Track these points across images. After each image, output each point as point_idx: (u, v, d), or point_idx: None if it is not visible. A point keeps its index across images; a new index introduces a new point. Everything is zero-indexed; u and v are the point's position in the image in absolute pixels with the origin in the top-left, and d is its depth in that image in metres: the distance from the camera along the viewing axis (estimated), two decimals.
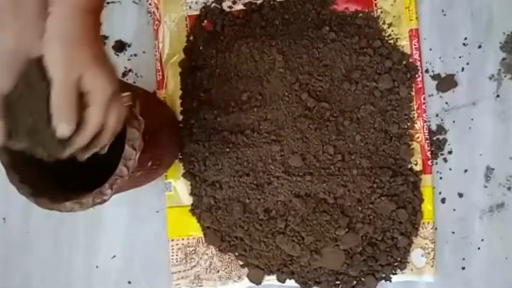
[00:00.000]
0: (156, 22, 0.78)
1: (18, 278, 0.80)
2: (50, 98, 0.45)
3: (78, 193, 0.59)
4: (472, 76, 0.75)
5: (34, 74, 0.45)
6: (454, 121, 0.75)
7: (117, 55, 0.80)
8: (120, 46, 0.80)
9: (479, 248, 0.74)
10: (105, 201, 0.57)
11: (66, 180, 0.63)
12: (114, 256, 0.78)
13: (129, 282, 0.78)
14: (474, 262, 0.74)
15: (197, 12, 0.77)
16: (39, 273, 0.79)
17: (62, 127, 0.46)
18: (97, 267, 0.78)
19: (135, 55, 0.79)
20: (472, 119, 0.75)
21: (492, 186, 0.74)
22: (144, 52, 0.79)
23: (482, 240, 0.74)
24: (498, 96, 0.75)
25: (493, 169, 0.74)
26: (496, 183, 0.74)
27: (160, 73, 0.77)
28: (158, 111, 0.73)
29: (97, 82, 0.46)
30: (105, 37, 0.79)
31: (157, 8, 0.78)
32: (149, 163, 0.61)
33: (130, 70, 0.79)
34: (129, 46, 0.80)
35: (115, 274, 0.78)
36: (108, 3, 0.80)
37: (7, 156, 0.58)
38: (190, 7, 0.77)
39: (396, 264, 0.72)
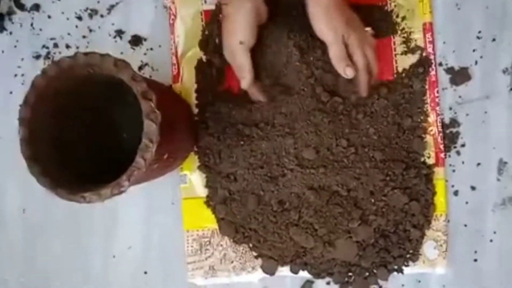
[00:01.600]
0: (172, 17, 0.79)
1: (37, 268, 0.81)
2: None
3: (96, 185, 0.61)
4: (486, 70, 0.75)
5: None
6: (467, 114, 0.75)
7: (133, 49, 0.81)
8: (136, 41, 0.81)
9: (491, 241, 0.74)
10: (122, 192, 0.58)
11: (85, 173, 0.65)
12: (130, 247, 0.80)
13: (145, 272, 0.79)
14: (487, 254, 0.74)
15: (213, 7, 0.77)
16: (58, 263, 0.81)
17: (349, 71, 0.66)
18: (114, 257, 0.80)
19: (151, 49, 0.80)
20: (485, 112, 0.75)
21: (505, 179, 0.74)
22: (160, 46, 0.80)
23: (495, 232, 0.74)
24: (511, 89, 0.75)
25: (506, 162, 0.74)
26: (509, 176, 0.74)
27: (176, 67, 0.78)
28: (173, 104, 0.74)
29: (354, 38, 0.67)
30: (121, 32, 0.81)
31: (173, 3, 0.79)
32: (165, 156, 0.62)
33: (146, 64, 0.80)
34: (145, 40, 0.81)
35: (132, 265, 0.80)
36: None
37: (29, 148, 0.60)
38: (205, 1, 0.78)
39: (408, 256, 0.73)
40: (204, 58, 0.78)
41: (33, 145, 0.60)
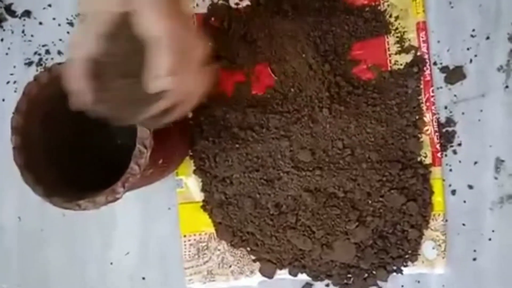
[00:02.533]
0: None
1: (34, 276, 0.81)
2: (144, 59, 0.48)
3: (91, 192, 0.60)
4: (481, 68, 0.75)
5: (126, 37, 0.49)
6: (463, 113, 0.75)
7: None
8: None
9: (490, 239, 0.74)
10: (117, 199, 0.58)
11: (79, 180, 0.65)
12: (128, 253, 0.79)
13: (143, 278, 0.79)
14: (485, 253, 0.74)
15: (204, 10, 0.77)
16: (55, 270, 0.80)
17: (161, 82, 0.49)
18: (111, 263, 0.79)
19: None
20: (481, 111, 0.75)
21: (502, 177, 0.74)
22: None
23: (493, 231, 0.74)
24: (507, 87, 0.74)
25: (503, 160, 0.74)
26: (506, 174, 0.74)
27: None
28: None
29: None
30: None
31: None
32: (160, 161, 0.62)
33: None
34: None
35: (129, 271, 0.79)
36: None
37: (22, 156, 0.60)
38: (197, 5, 0.78)
39: (407, 256, 0.73)
40: None
41: (26, 153, 0.60)
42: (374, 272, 0.73)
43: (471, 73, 0.75)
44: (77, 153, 0.68)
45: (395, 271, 0.73)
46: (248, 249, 0.75)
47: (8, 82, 0.82)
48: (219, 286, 0.76)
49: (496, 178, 0.74)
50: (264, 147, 0.72)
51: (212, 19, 0.77)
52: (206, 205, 0.76)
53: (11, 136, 0.60)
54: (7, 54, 0.83)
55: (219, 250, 0.76)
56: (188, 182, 0.77)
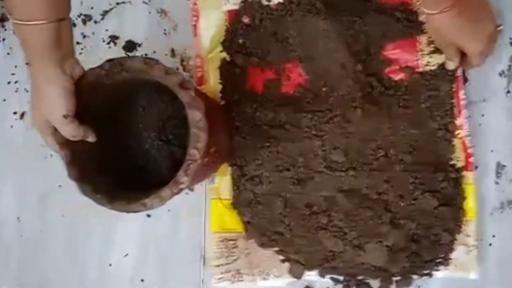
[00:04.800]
0: (195, 18, 0.78)
1: (34, 277, 0.81)
2: None
3: (134, 193, 0.60)
4: (483, 73, 0.73)
5: None
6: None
7: (128, 55, 0.80)
8: (131, 46, 0.81)
9: (490, 245, 0.72)
10: (182, 190, 0.57)
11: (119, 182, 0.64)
12: (127, 255, 0.79)
13: (142, 280, 0.79)
14: (486, 258, 0.72)
15: (235, 7, 0.77)
16: (54, 272, 0.80)
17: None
18: (110, 265, 0.79)
19: (146, 54, 0.80)
20: (482, 115, 0.73)
21: (503, 183, 0.72)
22: (154, 52, 0.80)
23: (494, 236, 0.72)
24: (508, 92, 0.73)
25: (504, 165, 0.72)
26: (507, 180, 0.72)
27: (201, 69, 0.77)
28: (205, 100, 0.73)
29: None
30: (116, 37, 0.80)
31: (195, 4, 0.78)
32: (212, 149, 0.60)
33: None
34: (139, 45, 0.81)
35: (129, 273, 0.79)
36: (118, 3, 0.81)
37: (75, 169, 0.59)
38: (228, 1, 0.77)
39: (439, 260, 0.71)
40: (227, 58, 0.77)
41: (78, 165, 0.59)
42: (405, 275, 0.71)
43: (473, 77, 0.73)
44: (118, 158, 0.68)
45: (426, 275, 0.71)
46: (277, 249, 0.74)
47: (9, 82, 0.82)
48: (247, 286, 0.75)
49: (497, 183, 0.72)
50: (296, 146, 0.72)
51: (244, 16, 0.76)
52: (235, 203, 0.75)
53: (61, 152, 0.59)
54: (8, 54, 0.83)
55: (247, 249, 0.75)
56: (219, 179, 0.76)
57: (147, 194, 0.58)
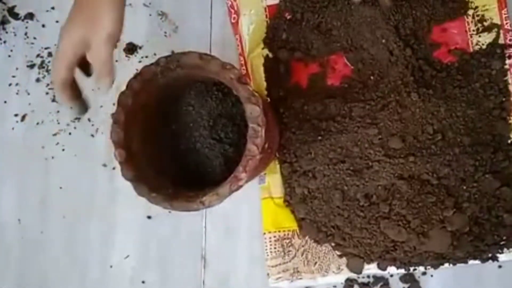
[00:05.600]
0: (234, 16, 0.77)
1: (34, 278, 0.80)
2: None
3: (184, 192, 0.58)
4: None
5: None
6: None
7: (128, 57, 0.80)
8: (131, 49, 0.80)
9: None
10: (240, 187, 0.55)
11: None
12: (127, 256, 0.78)
13: (143, 282, 0.78)
14: None
15: (275, 2, 0.76)
16: (54, 273, 0.80)
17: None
18: (111, 266, 0.79)
19: (146, 57, 0.80)
20: None
21: None
22: (155, 54, 0.79)
23: None
24: None
25: None
26: None
27: (244, 67, 0.76)
28: None
29: None
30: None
31: (235, 1, 0.77)
32: (266, 145, 0.59)
33: None
34: (140, 48, 0.80)
35: (129, 274, 0.78)
36: None
37: (130, 170, 0.58)
38: None
39: (503, 243, 0.69)
40: (270, 54, 0.76)
41: (132, 165, 0.58)
42: (468, 261, 0.70)
43: None
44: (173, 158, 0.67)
45: (490, 258, 0.70)
46: (333, 244, 0.72)
47: (10, 84, 0.83)
48: (306, 284, 0.74)
49: None
50: (349, 137, 0.70)
51: (285, 10, 0.75)
52: (288, 201, 0.74)
53: (115, 150, 0.58)
54: (9, 56, 0.83)
55: (303, 246, 0.74)
56: (269, 178, 0.75)
57: (204, 193, 0.57)
